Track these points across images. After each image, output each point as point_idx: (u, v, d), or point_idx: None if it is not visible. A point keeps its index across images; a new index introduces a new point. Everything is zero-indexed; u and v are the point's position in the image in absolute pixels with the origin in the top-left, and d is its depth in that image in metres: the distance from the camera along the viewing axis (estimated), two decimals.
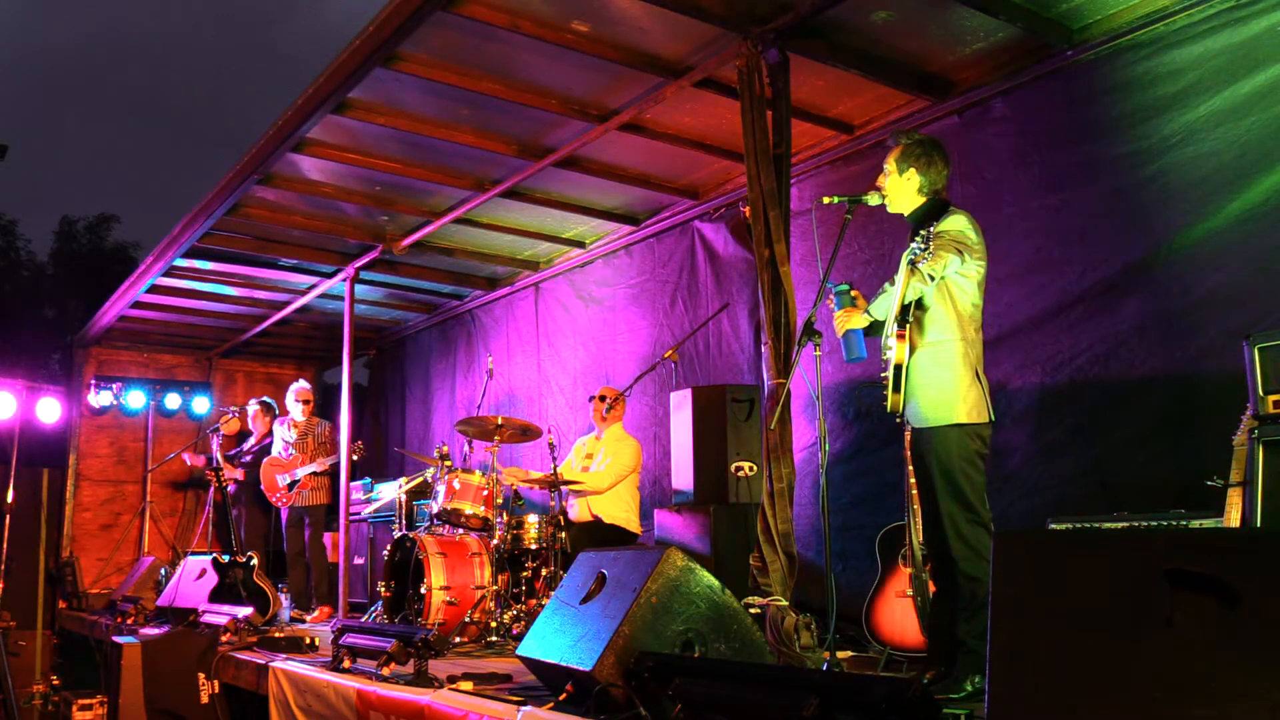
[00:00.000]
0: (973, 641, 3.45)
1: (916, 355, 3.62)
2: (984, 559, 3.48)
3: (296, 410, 7.99)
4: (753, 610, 3.80)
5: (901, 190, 3.79)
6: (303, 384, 8.24)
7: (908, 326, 3.63)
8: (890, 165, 3.81)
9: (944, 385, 3.57)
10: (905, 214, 3.82)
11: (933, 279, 3.47)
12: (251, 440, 8.64)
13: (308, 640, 5.21)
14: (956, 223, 3.60)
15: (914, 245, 3.51)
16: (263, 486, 7.92)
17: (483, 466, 6.11)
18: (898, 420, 4.49)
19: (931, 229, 3.54)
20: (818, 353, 3.82)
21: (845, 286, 3.83)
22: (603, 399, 6.41)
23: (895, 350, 3.68)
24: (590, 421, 6.71)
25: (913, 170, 3.76)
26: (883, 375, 3.68)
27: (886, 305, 3.82)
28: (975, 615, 3.48)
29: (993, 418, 3.61)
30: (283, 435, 8.03)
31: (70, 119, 68.18)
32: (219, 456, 8.24)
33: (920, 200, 3.77)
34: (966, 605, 3.52)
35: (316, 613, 7.45)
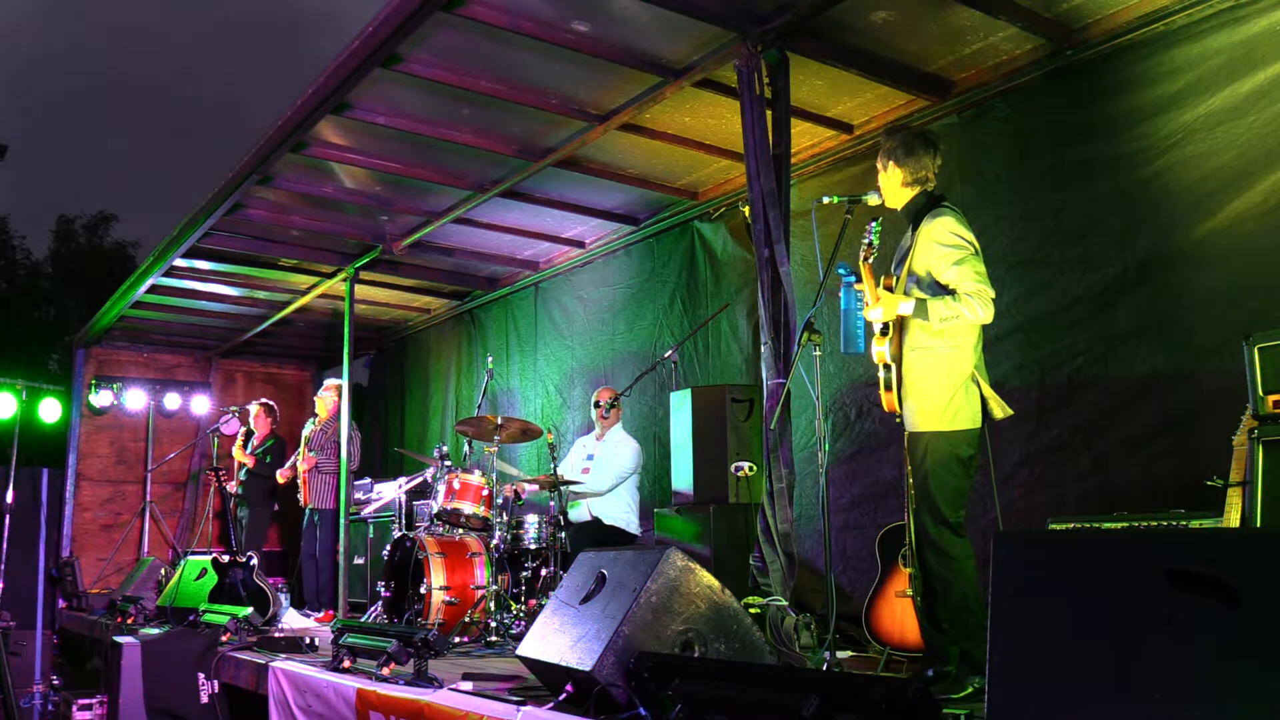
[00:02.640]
0: (964, 643, 3.45)
1: (908, 358, 3.61)
2: (951, 559, 3.50)
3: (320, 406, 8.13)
4: (753, 610, 3.80)
5: (888, 185, 3.80)
6: (328, 380, 8.33)
7: (889, 330, 3.63)
8: (878, 163, 3.83)
9: (928, 394, 3.56)
10: (898, 208, 3.81)
11: (943, 321, 3.48)
12: (254, 441, 8.66)
13: (308, 640, 5.21)
14: (947, 225, 3.55)
15: (904, 242, 3.54)
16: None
17: (482, 466, 6.11)
18: (897, 420, 4.50)
19: (931, 242, 3.54)
20: (818, 353, 3.83)
21: (854, 278, 3.81)
22: (597, 404, 6.42)
23: (876, 354, 3.70)
24: (589, 421, 6.71)
25: (892, 164, 3.76)
26: (878, 375, 3.69)
27: None
28: (957, 617, 3.49)
29: (980, 424, 3.57)
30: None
31: (71, 119, 68.18)
32: (239, 447, 8.32)
33: (908, 193, 3.76)
34: (944, 607, 3.53)
35: (321, 614, 7.46)
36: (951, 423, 3.53)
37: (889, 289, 3.69)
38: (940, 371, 3.55)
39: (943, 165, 3.85)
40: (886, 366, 3.66)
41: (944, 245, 3.54)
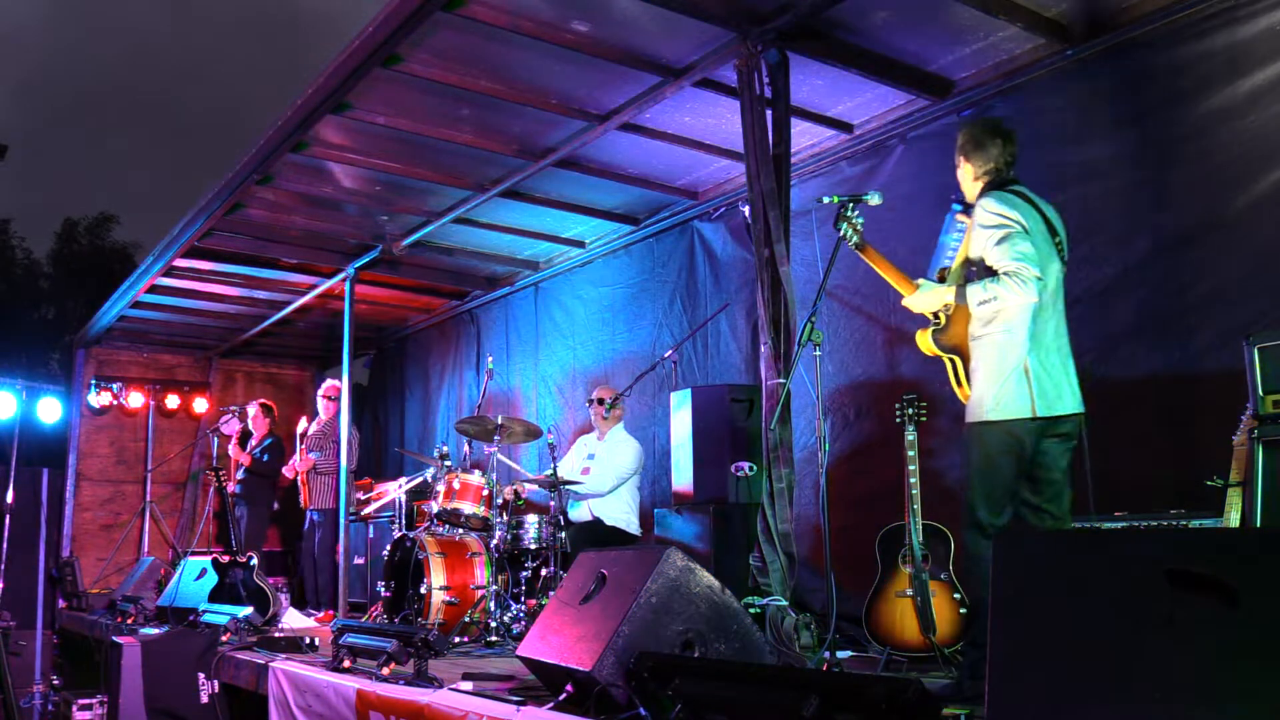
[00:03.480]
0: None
1: (970, 348, 3.52)
2: (974, 560, 3.44)
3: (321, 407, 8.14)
4: (753, 610, 3.80)
5: (964, 180, 3.71)
6: (330, 381, 8.34)
7: (941, 319, 3.56)
8: (956, 159, 3.75)
9: (978, 383, 3.45)
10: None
11: (981, 304, 3.38)
12: (253, 441, 8.67)
13: (308, 640, 5.21)
14: (987, 205, 3.44)
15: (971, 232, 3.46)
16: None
17: (482, 466, 6.11)
18: (897, 419, 4.50)
19: (978, 224, 3.44)
20: (818, 353, 3.82)
21: (960, 208, 3.71)
22: (600, 402, 6.40)
23: (920, 342, 3.63)
24: (590, 420, 6.71)
25: (962, 159, 3.69)
26: (946, 368, 3.66)
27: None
28: (975, 620, 3.48)
29: (1038, 414, 3.33)
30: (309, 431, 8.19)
31: (75, 121, 68.20)
32: (235, 446, 8.34)
33: (979, 186, 3.65)
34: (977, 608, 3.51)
35: (321, 614, 7.46)
36: (996, 412, 3.36)
37: (941, 280, 3.62)
38: (992, 359, 3.41)
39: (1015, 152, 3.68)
40: (951, 360, 3.57)
41: (985, 226, 3.43)
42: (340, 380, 8.34)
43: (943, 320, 3.61)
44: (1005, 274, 3.33)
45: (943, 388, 5.11)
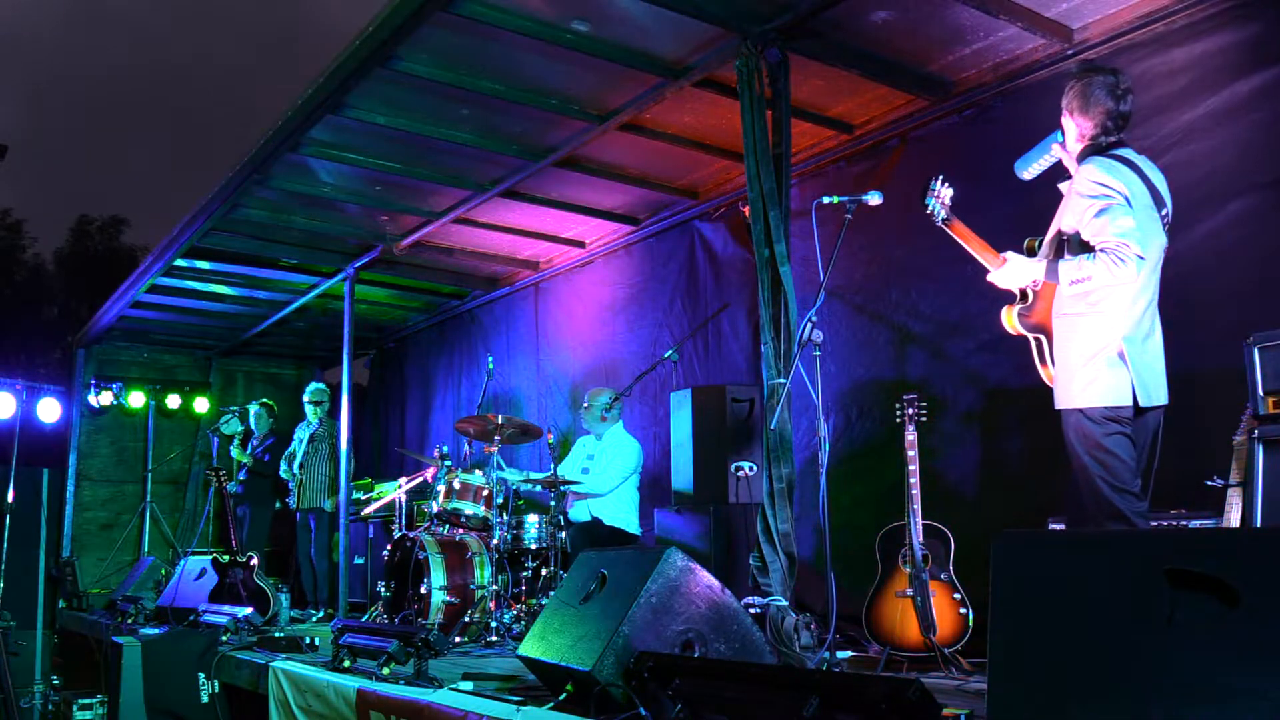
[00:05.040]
0: None
1: (1054, 326, 3.33)
2: None
3: (309, 411, 8.15)
4: (753, 610, 3.79)
5: (1068, 138, 3.42)
6: (314, 384, 8.35)
7: (1029, 297, 3.41)
8: (1062, 113, 3.44)
9: (1065, 365, 3.25)
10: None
11: (1074, 283, 3.16)
12: (254, 441, 8.68)
13: (308, 640, 5.21)
14: (1088, 173, 3.17)
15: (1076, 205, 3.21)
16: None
17: (483, 465, 6.10)
18: (897, 419, 4.49)
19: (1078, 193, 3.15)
20: (818, 353, 3.82)
21: (1062, 137, 3.43)
22: (593, 405, 6.37)
23: (1005, 320, 3.47)
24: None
25: (1068, 114, 3.39)
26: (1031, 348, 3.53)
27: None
28: None
29: (1137, 401, 3.17)
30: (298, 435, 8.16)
31: (87, 124, 68.22)
32: (236, 443, 8.37)
33: (1082, 147, 3.35)
34: None
35: (321, 614, 7.46)
36: (1086, 396, 3.16)
37: (1031, 253, 3.44)
38: (1079, 340, 3.21)
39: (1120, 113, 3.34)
40: (1036, 340, 3.40)
41: (1085, 196, 3.17)
42: (323, 382, 8.37)
43: (1030, 297, 3.42)
44: (1103, 250, 3.10)
45: (944, 388, 5.13)
